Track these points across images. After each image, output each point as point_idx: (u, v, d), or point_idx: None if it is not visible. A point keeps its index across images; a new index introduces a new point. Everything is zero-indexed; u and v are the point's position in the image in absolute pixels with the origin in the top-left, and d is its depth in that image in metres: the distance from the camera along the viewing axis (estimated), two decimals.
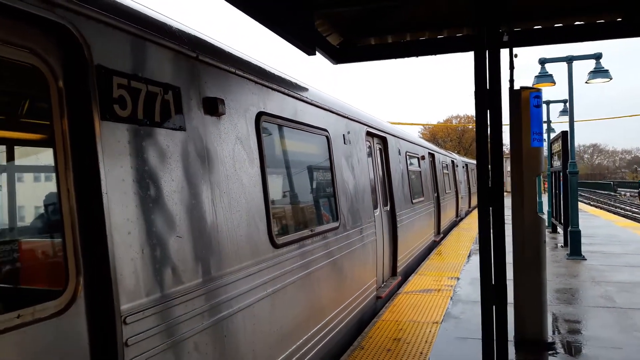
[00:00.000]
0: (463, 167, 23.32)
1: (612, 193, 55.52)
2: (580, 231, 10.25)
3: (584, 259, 10.05)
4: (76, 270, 2.23)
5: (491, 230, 4.06)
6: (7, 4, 1.95)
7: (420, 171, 11.68)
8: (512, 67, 5.42)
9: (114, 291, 2.30)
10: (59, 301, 2.14)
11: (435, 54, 6.12)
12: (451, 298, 7.12)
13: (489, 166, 4.08)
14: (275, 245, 3.90)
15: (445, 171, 16.58)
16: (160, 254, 2.63)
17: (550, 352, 5.05)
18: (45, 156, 2.26)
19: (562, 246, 11.82)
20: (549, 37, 5.69)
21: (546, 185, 19.53)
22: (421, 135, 66.47)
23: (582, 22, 5.60)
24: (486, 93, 4.08)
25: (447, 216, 16.11)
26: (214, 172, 3.20)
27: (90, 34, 2.34)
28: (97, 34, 2.38)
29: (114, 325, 2.29)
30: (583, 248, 10.71)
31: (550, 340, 5.27)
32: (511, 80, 5.42)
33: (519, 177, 5.22)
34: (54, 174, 2.22)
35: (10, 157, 2.45)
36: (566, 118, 16.86)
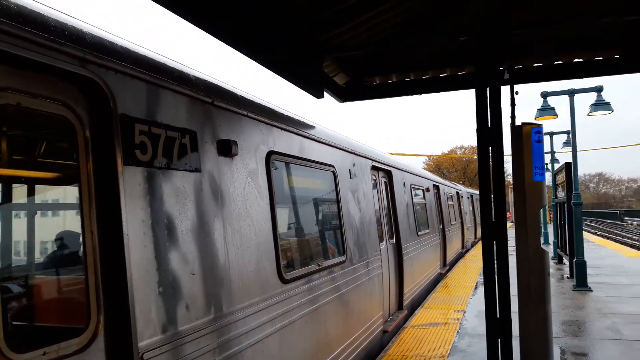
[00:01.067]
0: (468, 198, 23.39)
1: (619, 222, 55.18)
2: (585, 262, 10.26)
3: (590, 290, 10.04)
4: (97, 308, 2.34)
5: (495, 264, 4.16)
6: (45, 63, 2.13)
7: (425, 203, 11.79)
8: (513, 104, 5.58)
9: (132, 328, 2.41)
10: (81, 338, 2.26)
11: (438, 92, 6.33)
12: (457, 331, 7.14)
13: (492, 201, 4.21)
14: (284, 281, 4.00)
15: (450, 202, 16.66)
16: (176, 292, 2.75)
17: None
18: (71, 198, 2.40)
19: (568, 277, 11.79)
20: (549, 74, 5.89)
21: (551, 215, 19.56)
22: (425, 166, 66.78)
23: (581, 59, 5.81)
24: (487, 130, 4.25)
25: (453, 248, 16.12)
26: (227, 210, 3.33)
27: (115, 85, 2.51)
28: (121, 85, 2.56)
29: None
30: (589, 279, 10.71)
31: None
32: (512, 117, 5.56)
33: (522, 210, 5.31)
34: (79, 216, 2.36)
35: (39, 198, 2.60)
36: (570, 148, 17.03)
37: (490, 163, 4.22)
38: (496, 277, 4.15)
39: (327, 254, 5.34)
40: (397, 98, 6.70)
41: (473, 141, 69.65)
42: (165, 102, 2.89)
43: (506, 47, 4.34)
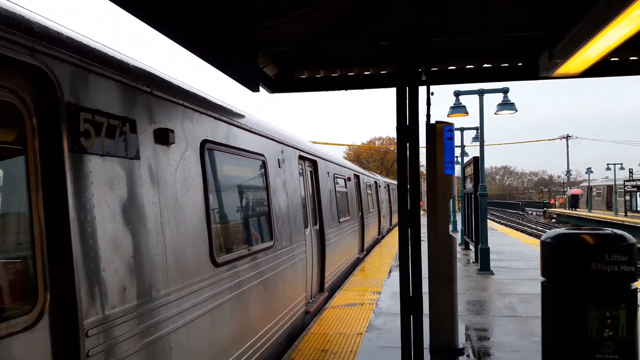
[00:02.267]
0: (385, 187, 24.41)
1: (521, 212, 59.73)
2: (489, 248, 11.25)
3: (492, 273, 11.04)
4: (44, 288, 2.46)
5: (409, 248, 4.62)
6: None
7: (346, 192, 12.31)
8: (429, 103, 6.09)
9: (78, 307, 2.55)
10: (29, 317, 2.37)
11: (362, 89, 6.72)
12: (374, 311, 7.67)
13: (408, 192, 4.65)
14: (216, 264, 4.21)
15: (369, 191, 17.39)
16: (118, 274, 2.90)
17: (460, 357, 5.67)
18: (19, 184, 2.48)
19: (473, 262, 12.84)
20: (461, 77, 6.47)
21: (460, 205, 20.95)
22: (346, 156, 68.18)
23: (490, 65, 6.43)
24: (406, 127, 4.66)
25: (370, 234, 16.88)
26: (164, 197, 3.49)
27: (61, 74, 2.61)
28: (67, 74, 2.66)
29: (77, 338, 2.54)
30: (492, 263, 11.75)
31: (461, 346, 5.89)
32: (428, 115, 6.08)
33: (433, 200, 5.85)
34: (26, 202, 2.46)
35: None
36: (478, 143, 18.26)
37: (408, 157, 4.64)
38: (409, 260, 4.60)
39: (257, 239, 5.59)
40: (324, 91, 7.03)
41: (390, 133, 72.13)
42: (108, 91, 3.00)
43: (424, 53, 4.77)
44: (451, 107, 12.24)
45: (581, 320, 4.13)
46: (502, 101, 11.18)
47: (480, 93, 11.33)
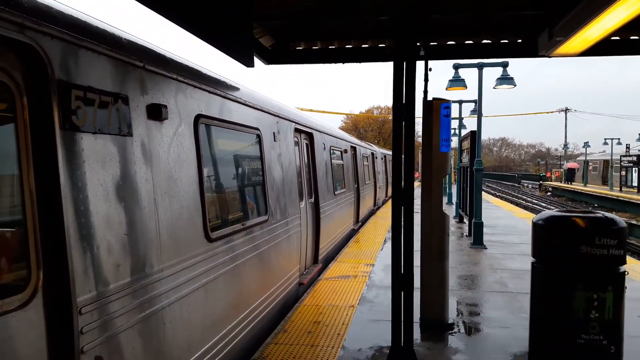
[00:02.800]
0: (382, 158, 24.41)
1: (517, 185, 59.96)
2: (482, 223, 11.34)
3: (485, 247, 11.16)
4: (37, 266, 2.48)
5: (402, 226, 4.64)
6: None
7: (342, 164, 12.30)
8: (426, 79, 6.04)
9: (71, 284, 2.57)
10: (22, 295, 2.40)
11: (359, 62, 6.65)
12: (366, 284, 7.78)
13: (402, 170, 4.65)
14: (210, 240, 4.24)
15: (365, 163, 17.39)
16: (110, 251, 2.92)
17: (450, 332, 5.79)
18: (10, 162, 2.47)
19: (467, 235, 12.95)
20: (459, 52, 6.40)
21: (456, 177, 21.02)
22: (343, 125, 67.85)
23: (489, 41, 6.35)
24: (402, 103, 4.62)
25: (366, 205, 16.96)
26: (157, 173, 3.48)
27: (52, 51, 2.56)
28: (58, 50, 2.61)
29: (71, 315, 2.57)
30: (485, 237, 11.87)
31: (450, 321, 6.01)
32: (425, 91, 6.03)
33: (428, 177, 5.87)
34: (18, 180, 2.45)
35: None
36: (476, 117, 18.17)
37: (403, 135, 4.61)
38: (402, 238, 4.63)
39: (251, 214, 5.61)
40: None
41: (388, 102, 71.48)
42: (100, 67, 2.96)
43: (422, 28, 4.68)
44: (450, 80, 12.13)
45: (569, 301, 4.21)
46: (501, 75, 11.08)
47: (480, 66, 11.21)
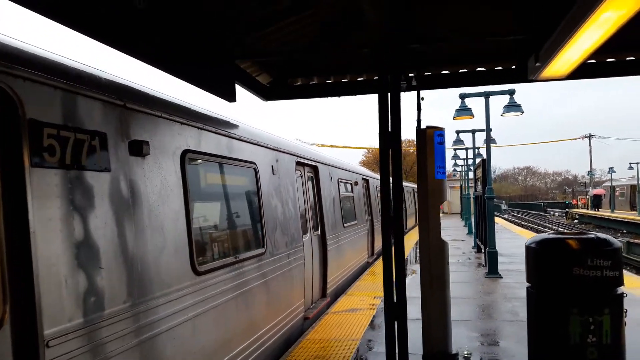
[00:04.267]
0: None
1: (543, 213, 58.74)
2: (496, 251, 11.11)
3: (500, 277, 10.90)
4: (3, 299, 2.54)
5: (392, 254, 4.61)
6: None
7: (353, 196, 12.29)
8: (419, 108, 6.08)
9: (38, 318, 2.63)
10: None
11: (355, 95, 6.74)
12: (373, 316, 7.65)
13: (391, 198, 4.65)
14: (198, 273, 4.27)
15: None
16: (82, 284, 2.97)
17: None
18: None
19: (483, 265, 12.69)
20: (455, 81, 6.44)
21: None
22: (364, 159, 67.88)
23: (483, 69, 6.38)
24: (388, 134, 4.66)
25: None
26: (137, 207, 3.56)
27: (23, 92, 2.70)
28: (30, 91, 2.74)
29: (37, 348, 2.61)
30: (502, 267, 11.61)
31: (454, 351, 5.85)
32: (418, 120, 6.07)
33: (425, 205, 5.83)
34: None
35: None
36: (504, 142, 18.05)
37: (390, 164, 4.64)
38: (393, 265, 4.59)
39: (246, 246, 5.63)
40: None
41: (409, 135, 71.58)
42: (75, 107, 3.08)
43: (404, 59, 4.76)
44: (457, 110, 12.15)
45: (564, 326, 4.07)
46: (509, 103, 11.05)
47: (486, 95, 11.22)
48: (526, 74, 5.61)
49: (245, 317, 5.19)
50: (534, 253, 4.37)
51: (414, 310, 7.06)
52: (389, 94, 4.68)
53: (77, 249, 2.95)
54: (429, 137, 5.89)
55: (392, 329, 4.56)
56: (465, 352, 5.98)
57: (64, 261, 2.84)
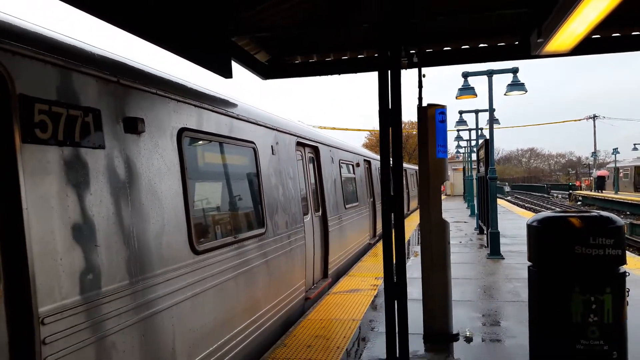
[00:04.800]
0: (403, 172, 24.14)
1: (546, 195, 58.60)
2: (499, 232, 11.07)
3: (502, 258, 10.87)
4: None
5: (392, 233, 4.56)
6: None
7: (355, 178, 12.23)
8: (420, 86, 6.00)
9: (32, 295, 2.60)
10: None
11: (355, 72, 6.63)
12: (375, 297, 7.65)
13: (391, 177, 4.59)
14: (196, 252, 4.24)
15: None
16: (78, 262, 2.93)
17: (454, 342, 5.63)
18: None
19: (485, 247, 12.66)
20: (455, 58, 6.32)
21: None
22: (367, 141, 67.69)
23: (486, 45, 6.26)
24: (388, 111, 4.58)
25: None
26: (132, 184, 3.51)
27: (13, 67, 2.63)
28: (20, 67, 2.68)
29: (32, 325, 2.59)
30: (505, 248, 11.59)
31: (455, 331, 5.84)
32: (420, 98, 5.99)
33: (426, 185, 5.78)
34: None
35: None
36: (507, 124, 17.89)
37: (390, 142, 4.56)
38: (393, 245, 4.55)
39: (245, 226, 5.60)
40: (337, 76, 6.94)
41: (412, 117, 71.19)
42: (67, 82, 3.02)
43: (403, 35, 4.66)
44: (459, 89, 12.00)
45: (565, 305, 4.03)
46: (512, 81, 10.91)
47: (489, 74, 11.07)
48: (529, 50, 5.51)
49: (245, 297, 5.18)
50: (535, 231, 4.31)
51: (415, 291, 7.05)
52: (389, 71, 4.59)
53: (71, 227, 2.91)
54: (430, 115, 5.81)
55: (392, 308, 4.54)
56: (467, 332, 5.97)
57: (58, 239, 2.80)
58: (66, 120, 2.96)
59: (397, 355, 4.55)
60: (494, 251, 10.98)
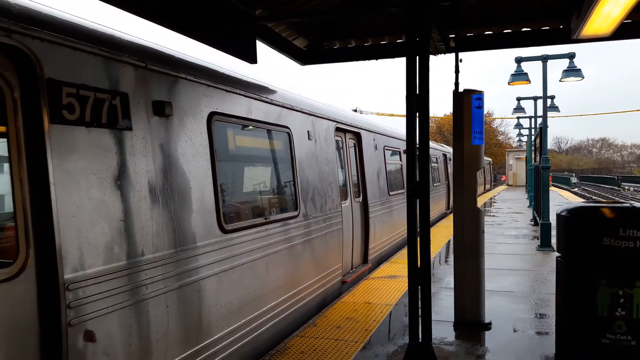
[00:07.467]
0: None
1: (616, 188, 55.41)
2: (550, 224, 10.66)
3: (552, 250, 10.49)
4: (26, 244, 2.77)
5: (417, 219, 4.55)
6: None
7: (401, 165, 12.12)
8: (457, 71, 5.88)
9: (58, 263, 2.84)
10: (10, 269, 2.69)
11: (392, 57, 6.60)
12: None
13: (417, 163, 4.56)
14: (225, 231, 4.42)
15: (434, 164, 16.96)
16: (102, 235, 3.16)
17: (485, 331, 5.55)
18: (3, 153, 2.79)
19: (538, 238, 12.23)
20: (494, 43, 6.15)
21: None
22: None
23: (528, 29, 6.05)
24: (415, 97, 4.54)
25: (436, 208, 16.51)
26: (159, 165, 3.71)
27: (41, 52, 2.86)
28: (48, 52, 2.90)
29: (57, 291, 2.84)
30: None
31: (487, 321, 5.75)
32: (456, 83, 5.87)
33: (460, 171, 5.70)
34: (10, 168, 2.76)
35: None
36: (555, 113, 17.17)
37: (417, 128, 4.53)
38: (417, 230, 4.54)
39: (277, 209, 5.74)
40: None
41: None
42: (95, 67, 3.23)
43: (432, 18, 4.59)
44: (512, 75, 11.58)
45: (592, 298, 3.91)
46: (568, 67, 10.42)
47: (544, 59, 10.60)
48: (570, 34, 5.28)
49: (275, 276, 5.33)
50: (564, 221, 4.19)
51: (451, 279, 6.98)
52: (417, 56, 4.54)
53: (96, 202, 3.13)
54: (467, 101, 5.70)
55: (416, 294, 4.54)
56: (500, 322, 5.86)
57: (83, 213, 3.03)
58: (94, 103, 3.18)
59: (420, 340, 4.56)
60: (545, 243, 10.62)
